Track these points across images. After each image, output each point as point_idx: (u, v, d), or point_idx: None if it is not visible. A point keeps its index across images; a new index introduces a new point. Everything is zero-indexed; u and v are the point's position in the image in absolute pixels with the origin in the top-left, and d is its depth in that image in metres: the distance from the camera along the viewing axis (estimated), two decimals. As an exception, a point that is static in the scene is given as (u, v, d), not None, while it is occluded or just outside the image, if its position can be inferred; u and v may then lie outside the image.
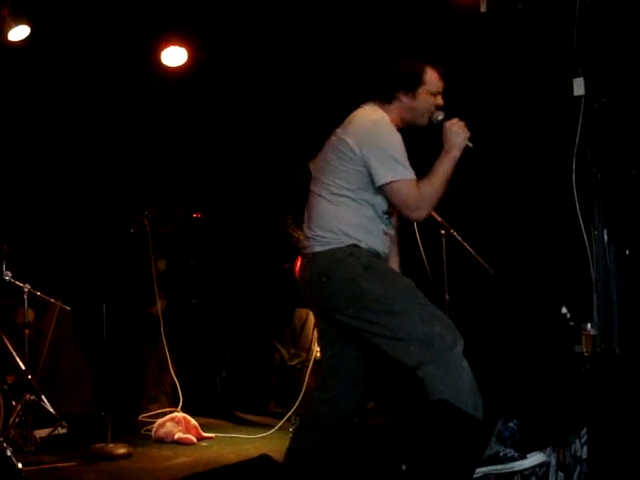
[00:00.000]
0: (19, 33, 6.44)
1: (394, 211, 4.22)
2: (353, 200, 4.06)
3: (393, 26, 6.49)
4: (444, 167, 4.02)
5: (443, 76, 4.23)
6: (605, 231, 4.67)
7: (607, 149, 4.74)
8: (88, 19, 6.69)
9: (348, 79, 6.78)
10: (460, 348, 3.87)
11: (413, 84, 4.16)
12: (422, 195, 3.98)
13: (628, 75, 4.73)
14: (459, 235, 5.88)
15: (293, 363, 6.99)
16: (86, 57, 7.06)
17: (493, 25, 5.95)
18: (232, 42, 7.28)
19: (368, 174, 4.02)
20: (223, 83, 7.73)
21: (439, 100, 4.21)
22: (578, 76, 4.82)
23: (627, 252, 4.64)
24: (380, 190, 4.05)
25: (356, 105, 4.24)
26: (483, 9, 5.52)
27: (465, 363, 3.85)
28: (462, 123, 4.10)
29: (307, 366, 6.54)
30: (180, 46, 7.26)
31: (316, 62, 7.10)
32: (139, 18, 6.82)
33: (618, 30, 4.74)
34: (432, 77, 4.19)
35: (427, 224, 5.90)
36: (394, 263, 4.46)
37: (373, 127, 4.08)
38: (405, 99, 4.17)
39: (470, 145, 4.10)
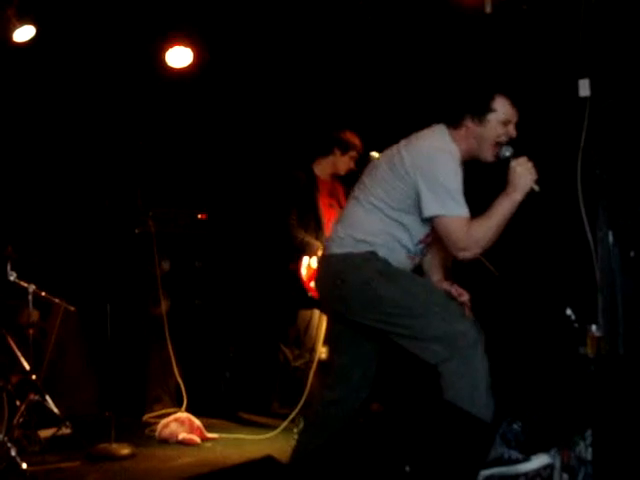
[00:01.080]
0: (24, 34, 6.45)
1: (431, 241, 4.15)
2: (387, 216, 3.99)
3: (397, 27, 6.48)
4: (502, 209, 3.91)
5: (515, 106, 4.12)
6: (610, 232, 4.65)
7: (613, 151, 4.73)
8: (93, 20, 6.71)
9: (351, 81, 6.80)
10: (482, 347, 3.85)
11: (481, 109, 4.05)
12: (470, 236, 3.87)
13: (634, 76, 4.72)
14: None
15: (297, 364, 6.98)
16: (91, 58, 7.07)
17: (498, 26, 5.94)
18: (237, 43, 7.28)
19: (415, 200, 3.92)
20: (228, 84, 7.73)
21: (511, 131, 4.09)
22: (584, 77, 4.80)
23: (632, 254, 4.63)
24: (424, 220, 3.96)
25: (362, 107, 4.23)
26: (488, 10, 5.51)
27: (485, 363, 3.84)
28: (530, 164, 3.97)
29: (311, 367, 6.54)
30: (185, 47, 7.27)
31: (320, 63, 7.10)
32: (144, 18, 6.83)
33: (624, 31, 4.73)
34: (503, 105, 4.08)
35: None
36: (435, 270, 4.42)
37: (434, 154, 3.96)
38: (472, 125, 4.04)
39: (536, 189, 3.98)
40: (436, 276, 4.42)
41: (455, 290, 4.31)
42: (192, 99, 7.79)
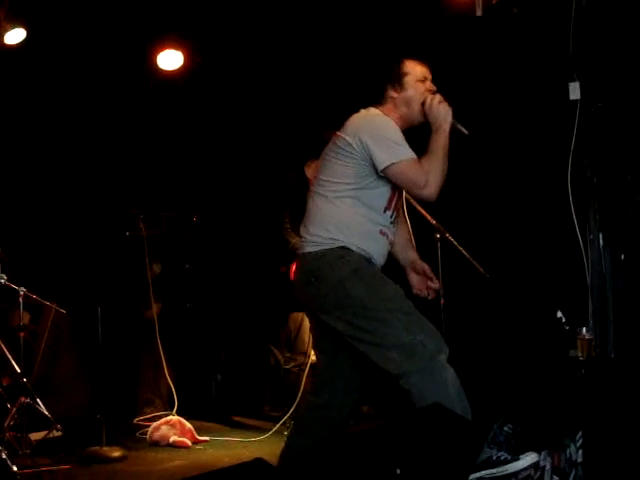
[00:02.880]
0: (15, 36, 6.44)
1: (395, 207, 4.22)
2: (351, 198, 4.06)
3: (389, 30, 6.49)
4: (439, 142, 4.05)
5: (424, 63, 4.28)
6: (601, 235, 4.67)
7: (603, 153, 4.74)
8: (84, 22, 6.70)
9: (341, 82, 6.80)
10: (444, 356, 3.86)
11: (397, 76, 4.22)
12: (427, 171, 3.99)
13: (624, 79, 4.73)
14: (454, 239, 5.88)
15: (289, 367, 6.98)
16: (82, 61, 7.06)
17: (489, 29, 5.95)
18: (228, 46, 7.29)
19: (369, 165, 4.03)
20: (219, 87, 7.74)
21: (429, 85, 4.24)
22: (574, 80, 4.82)
23: (622, 256, 4.64)
24: (382, 179, 4.06)
25: (350, 107, 4.26)
26: (479, 13, 5.52)
27: (450, 371, 3.84)
28: (438, 97, 4.14)
29: (303, 370, 6.54)
30: (176, 50, 7.27)
31: (311, 66, 7.11)
32: (135, 21, 6.83)
33: (614, 34, 4.74)
34: (412, 65, 4.25)
35: (422, 228, 5.92)
36: (407, 247, 4.48)
37: (369, 118, 4.16)
38: (395, 94, 4.21)
39: (465, 132, 4.15)
40: (411, 254, 4.47)
41: (429, 271, 4.40)
42: (183, 102, 7.79)
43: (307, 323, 6.63)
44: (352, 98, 4.38)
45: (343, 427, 4.35)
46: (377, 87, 4.25)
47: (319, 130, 6.57)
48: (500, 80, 6.31)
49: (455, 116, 4.12)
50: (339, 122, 4.24)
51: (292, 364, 6.94)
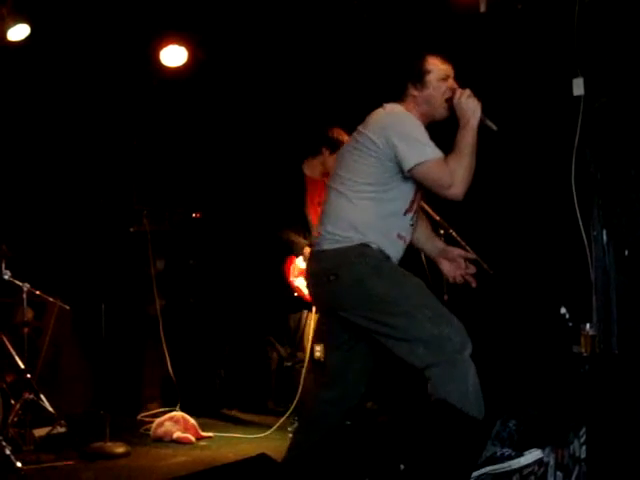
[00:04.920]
0: (19, 32, 6.44)
1: (417, 209, 4.21)
2: (372, 199, 4.03)
3: (392, 26, 6.49)
4: (466, 139, 4.00)
5: (447, 60, 4.26)
6: (604, 231, 4.66)
7: (607, 149, 4.73)
8: (88, 19, 6.69)
9: (346, 79, 6.79)
10: (468, 352, 3.85)
11: (419, 74, 4.16)
12: (453, 171, 3.95)
13: (628, 75, 4.73)
14: (458, 235, 5.87)
15: (289, 363, 6.98)
16: (86, 57, 7.06)
17: (493, 25, 5.95)
18: (232, 42, 7.28)
19: (392, 166, 3.99)
20: (222, 83, 7.73)
21: (452, 83, 4.20)
22: (578, 76, 4.81)
23: (626, 252, 4.64)
24: (405, 180, 4.02)
25: (355, 106, 4.25)
26: (483, 9, 5.52)
27: (472, 368, 3.84)
28: (468, 91, 4.09)
29: (303, 366, 6.53)
30: (179, 46, 7.27)
31: (315, 62, 7.10)
32: (139, 17, 6.82)
33: (618, 30, 4.73)
34: (435, 63, 4.20)
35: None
36: (433, 238, 4.54)
37: (393, 116, 4.09)
38: (416, 92, 4.17)
39: (494, 127, 4.12)
40: (439, 243, 4.51)
41: (464, 253, 4.46)
42: (186, 98, 7.79)
43: (304, 320, 6.65)
44: (359, 95, 4.36)
45: (347, 423, 4.35)
46: (398, 84, 4.21)
47: (316, 128, 6.57)
48: (504, 76, 6.29)
49: (484, 111, 4.09)
50: (342, 120, 4.23)
51: (292, 360, 6.94)
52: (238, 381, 7.86)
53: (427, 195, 4.80)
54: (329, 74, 7.06)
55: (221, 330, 7.98)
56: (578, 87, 4.80)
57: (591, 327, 4.60)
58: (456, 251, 4.44)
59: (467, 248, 5.77)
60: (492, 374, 5.52)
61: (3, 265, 5.81)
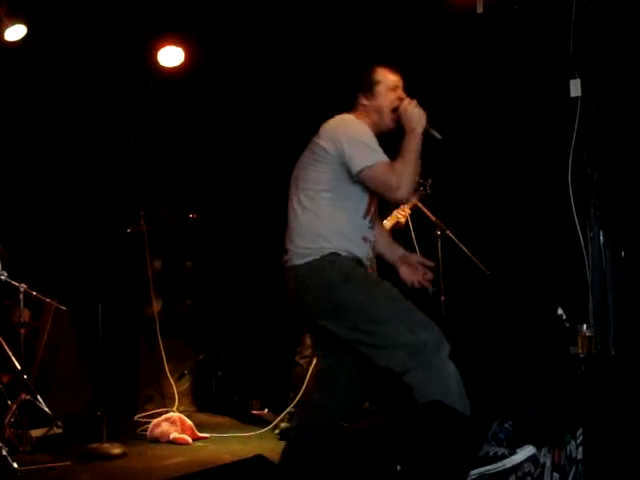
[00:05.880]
0: (16, 33, 6.43)
1: (374, 211, 4.24)
2: (331, 206, 4.07)
3: (389, 27, 6.49)
4: (411, 146, 4.05)
5: (396, 71, 4.32)
6: (601, 232, 4.67)
7: (603, 150, 4.74)
8: (85, 19, 6.69)
9: (338, 78, 6.79)
10: (445, 352, 3.86)
11: (368, 85, 4.25)
12: (399, 174, 4.00)
13: (624, 76, 4.74)
14: (455, 236, 5.88)
15: (296, 359, 6.97)
16: (83, 57, 7.06)
17: (489, 26, 5.95)
18: (228, 42, 7.28)
19: (344, 171, 4.05)
20: (220, 83, 7.73)
21: (400, 93, 4.27)
22: (575, 77, 4.82)
23: (623, 253, 4.65)
24: (358, 185, 4.07)
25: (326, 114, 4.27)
26: (479, 10, 5.52)
27: (451, 367, 3.84)
28: (414, 101, 4.15)
29: (302, 366, 6.53)
30: (177, 46, 7.28)
31: (312, 62, 7.10)
32: (136, 18, 6.82)
33: (615, 31, 4.74)
34: (383, 74, 4.28)
35: (423, 225, 5.93)
36: (392, 244, 4.51)
37: (342, 122, 4.18)
38: (366, 102, 4.26)
39: (438, 136, 4.17)
40: (398, 249, 4.50)
41: (421, 258, 4.44)
42: (183, 98, 7.79)
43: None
44: (329, 105, 4.38)
45: (342, 425, 4.36)
46: (349, 94, 4.30)
47: (311, 129, 6.57)
48: (501, 77, 6.30)
49: (429, 121, 4.13)
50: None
51: (298, 357, 6.93)
52: (235, 382, 7.86)
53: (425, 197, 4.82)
54: (325, 75, 7.06)
55: (218, 331, 7.98)
56: (575, 88, 4.81)
57: (588, 328, 4.61)
58: (415, 258, 4.46)
59: (464, 249, 5.79)
60: (489, 375, 5.54)
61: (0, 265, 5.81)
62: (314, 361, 6.44)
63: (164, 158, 7.91)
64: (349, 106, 4.29)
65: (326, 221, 4.07)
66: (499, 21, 5.89)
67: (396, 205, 5.82)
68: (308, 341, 6.84)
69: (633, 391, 3.94)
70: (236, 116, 7.88)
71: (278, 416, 6.54)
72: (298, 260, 4.09)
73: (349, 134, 4.07)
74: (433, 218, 5.79)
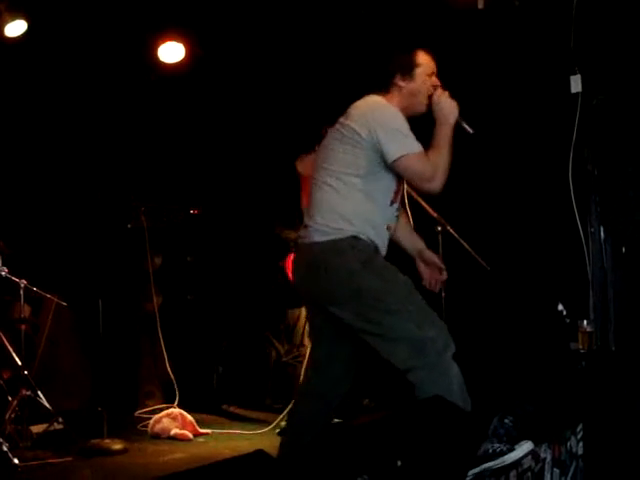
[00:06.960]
0: (16, 28, 6.43)
1: (400, 198, 4.22)
2: (360, 190, 4.02)
3: (390, 22, 6.48)
4: (444, 136, 4.05)
5: (434, 58, 4.29)
6: (602, 228, 4.67)
7: (604, 146, 4.74)
8: (85, 15, 6.69)
9: (344, 75, 6.78)
10: (451, 353, 3.85)
11: (409, 67, 4.19)
12: (433, 164, 3.99)
13: (625, 72, 4.73)
14: (455, 232, 5.88)
15: (287, 359, 6.98)
16: (83, 53, 7.05)
17: (490, 22, 5.94)
18: (229, 38, 7.28)
19: (377, 157, 4.00)
20: (220, 79, 7.73)
21: (435, 80, 4.23)
22: (575, 73, 4.81)
23: (624, 249, 4.64)
24: (390, 170, 4.04)
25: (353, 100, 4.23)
26: (480, 5, 5.51)
27: (455, 368, 3.83)
28: (446, 93, 4.14)
29: (301, 361, 6.53)
30: (177, 42, 7.27)
31: (313, 58, 7.10)
32: (137, 14, 6.82)
33: (616, 27, 4.74)
34: (425, 59, 4.24)
35: (423, 220, 5.92)
36: (413, 236, 4.49)
37: (376, 107, 4.10)
38: (403, 83, 4.19)
39: (470, 130, 4.15)
40: (418, 243, 4.47)
41: (439, 261, 4.43)
42: (184, 94, 7.78)
43: (303, 316, 6.64)
44: (349, 89, 4.35)
45: (332, 418, 4.36)
46: (386, 74, 4.22)
47: (309, 125, 6.56)
48: (501, 73, 6.30)
49: (461, 114, 4.12)
50: (331, 117, 4.22)
51: (290, 356, 6.94)
52: (236, 377, 7.86)
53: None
54: (324, 72, 7.06)
55: (219, 326, 7.98)
56: (576, 84, 4.80)
57: (588, 324, 4.61)
58: (434, 256, 4.44)
59: (464, 245, 5.80)
60: (489, 370, 5.54)
61: (0, 262, 5.81)
62: (306, 357, 6.46)
63: (165, 154, 7.91)
64: (381, 87, 4.23)
65: (353, 205, 4.02)
66: (500, 17, 5.88)
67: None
68: (295, 339, 6.86)
69: (633, 387, 3.94)
70: (237, 112, 7.87)
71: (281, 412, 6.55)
72: (318, 237, 4.03)
73: (384, 120, 4.03)
74: (433, 214, 5.79)
